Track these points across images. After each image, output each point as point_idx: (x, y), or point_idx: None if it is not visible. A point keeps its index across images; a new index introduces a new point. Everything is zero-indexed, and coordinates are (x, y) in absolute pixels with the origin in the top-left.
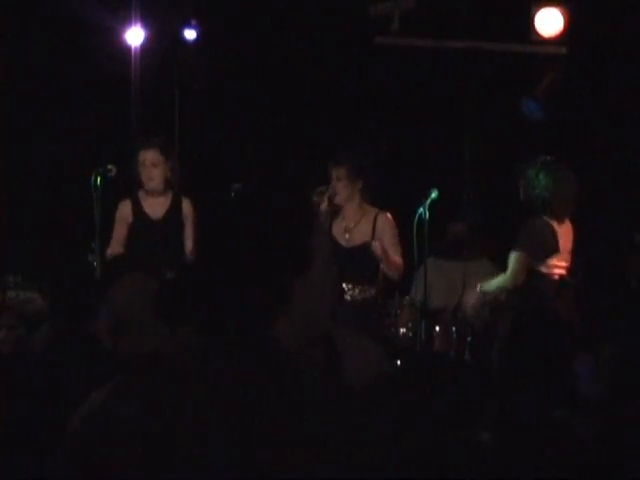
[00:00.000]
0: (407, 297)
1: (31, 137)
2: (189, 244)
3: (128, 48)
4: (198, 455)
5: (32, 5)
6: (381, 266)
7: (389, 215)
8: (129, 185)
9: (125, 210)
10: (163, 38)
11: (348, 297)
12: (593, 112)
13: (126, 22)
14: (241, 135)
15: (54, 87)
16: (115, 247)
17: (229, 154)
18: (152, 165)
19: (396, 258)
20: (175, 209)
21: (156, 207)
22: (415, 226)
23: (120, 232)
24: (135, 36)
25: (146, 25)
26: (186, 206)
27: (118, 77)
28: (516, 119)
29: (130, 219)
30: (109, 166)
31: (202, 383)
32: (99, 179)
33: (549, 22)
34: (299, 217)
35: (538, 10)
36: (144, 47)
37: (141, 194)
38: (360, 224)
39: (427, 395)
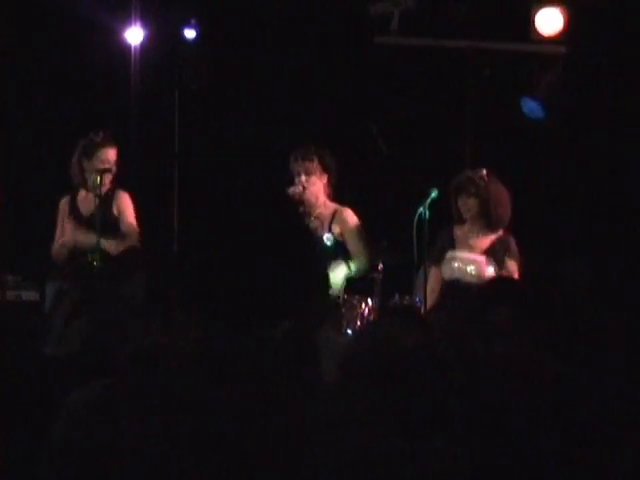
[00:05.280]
0: (407, 297)
1: (31, 137)
2: None
3: (128, 47)
4: (194, 452)
5: (31, 4)
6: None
7: (349, 211)
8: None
9: None
10: (163, 38)
11: None
12: (593, 112)
13: (126, 21)
14: (241, 135)
15: (53, 86)
16: None
17: (229, 154)
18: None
19: (357, 254)
20: None
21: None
22: (415, 226)
23: None
24: (135, 35)
25: (146, 24)
26: None
27: (118, 77)
28: (516, 119)
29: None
30: (109, 165)
31: (198, 381)
32: (99, 178)
33: (549, 22)
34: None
35: (538, 10)
36: (144, 47)
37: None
38: (318, 218)
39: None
